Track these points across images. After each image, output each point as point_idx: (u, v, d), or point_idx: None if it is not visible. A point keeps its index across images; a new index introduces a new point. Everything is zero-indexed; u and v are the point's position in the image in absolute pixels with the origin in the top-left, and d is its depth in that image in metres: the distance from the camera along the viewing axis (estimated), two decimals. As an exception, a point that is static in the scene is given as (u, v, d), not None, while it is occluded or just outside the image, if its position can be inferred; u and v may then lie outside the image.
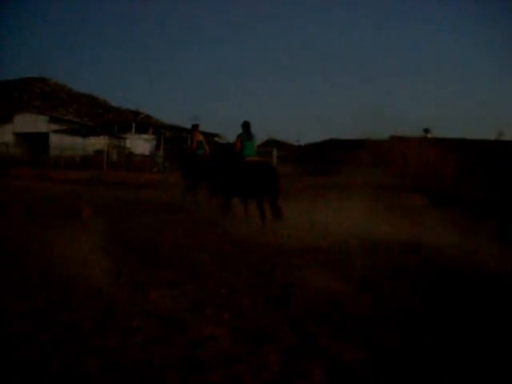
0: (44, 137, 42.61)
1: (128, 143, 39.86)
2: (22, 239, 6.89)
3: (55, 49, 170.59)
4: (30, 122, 44.99)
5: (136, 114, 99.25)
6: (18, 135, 45.33)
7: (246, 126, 9.27)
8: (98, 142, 39.53)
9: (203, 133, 35.82)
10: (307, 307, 4.31)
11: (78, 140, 38.10)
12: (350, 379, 3.06)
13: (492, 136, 33.38)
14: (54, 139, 40.28)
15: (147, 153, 38.94)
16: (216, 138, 37.55)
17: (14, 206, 10.96)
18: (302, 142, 50.87)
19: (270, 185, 8.52)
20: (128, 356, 3.26)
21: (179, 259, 6.04)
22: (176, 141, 35.14)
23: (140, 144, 39.49)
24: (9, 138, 43.88)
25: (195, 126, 12.59)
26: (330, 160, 24.99)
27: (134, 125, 34.34)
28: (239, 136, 9.22)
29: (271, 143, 49.61)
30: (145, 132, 38.13)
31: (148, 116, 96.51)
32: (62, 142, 38.21)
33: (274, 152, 27.73)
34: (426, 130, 28.24)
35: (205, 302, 4.37)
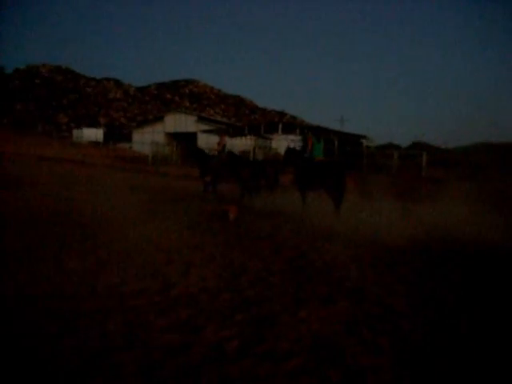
0: (192, 136, 46.44)
1: (274, 144, 41.45)
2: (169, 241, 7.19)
3: (205, 52, 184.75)
4: (180, 122, 49.32)
5: (281, 114, 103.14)
6: (168, 134, 50.10)
7: (315, 132, 10.97)
8: (244, 143, 41.80)
9: (346, 134, 35.74)
10: (481, 336, 3.88)
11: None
12: None
13: None
14: (202, 139, 43.57)
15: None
16: (363, 140, 37.12)
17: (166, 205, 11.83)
18: (450, 145, 48.17)
19: (336, 180, 10.66)
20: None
21: (329, 270, 5.89)
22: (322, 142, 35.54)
23: (286, 145, 40.77)
24: (160, 137, 48.70)
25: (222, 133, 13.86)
26: (482, 165, 23.48)
27: (280, 125, 35.57)
28: (310, 139, 11.64)
29: (418, 146, 47.51)
30: (291, 133, 39.28)
31: (293, 117, 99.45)
32: (209, 142, 41.22)
33: (424, 156, 26.67)
34: None
35: (360, 323, 4.12)
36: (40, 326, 3.70)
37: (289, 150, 12.99)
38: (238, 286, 5.10)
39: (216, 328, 3.90)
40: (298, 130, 38.06)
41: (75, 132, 69.49)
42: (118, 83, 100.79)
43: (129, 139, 55.12)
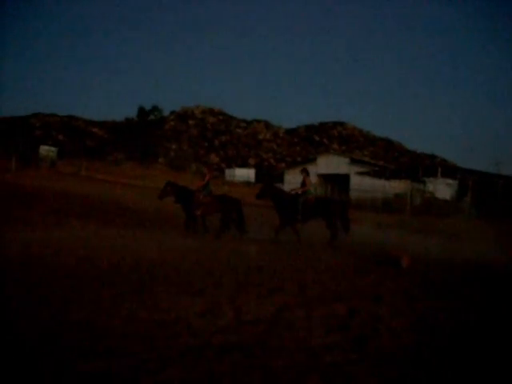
0: (345, 178, 49.83)
1: (430, 187, 43.16)
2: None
3: (353, 95, 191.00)
4: (332, 164, 53.08)
5: (432, 157, 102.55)
6: (320, 176, 54.03)
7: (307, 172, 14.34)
8: (397, 186, 44.03)
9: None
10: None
11: (378, 182, 43.31)
12: None
13: None
14: (355, 180, 46.81)
15: (448, 197, 41.40)
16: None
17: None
18: None
19: (341, 212, 13.67)
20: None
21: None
22: (481, 186, 36.37)
23: (442, 188, 42.28)
24: (312, 178, 52.71)
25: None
26: None
27: (439, 169, 37.24)
28: (308, 178, 14.02)
29: None
30: (447, 176, 40.68)
31: (444, 160, 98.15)
32: (362, 184, 44.26)
33: None
34: None
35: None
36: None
37: (267, 185, 15.05)
38: (436, 343, 4.94)
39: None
40: (458, 175, 39.39)
41: (227, 171, 77.01)
42: (267, 125, 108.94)
43: (280, 180, 59.98)
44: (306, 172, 14.30)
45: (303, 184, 14.02)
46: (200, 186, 14.32)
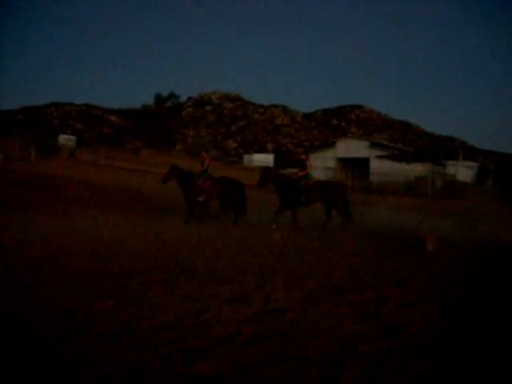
0: (364, 162, 49.31)
1: (451, 170, 42.62)
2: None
3: (371, 77, 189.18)
4: (352, 148, 52.50)
5: (450, 139, 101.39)
6: (339, 160, 53.56)
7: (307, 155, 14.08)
8: (418, 169, 43.53)
9: None
10: None
11: (398, 165, 42.86)
12: None
13: None
14: (375, 164, 46.32)
15: (468, 180, 40.90)
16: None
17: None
18: None
19: (342, 195, 13.51)
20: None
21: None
22: (502, 168, 35.86)
23: (462, 171, 41.76)
24: (331, 163, 52.36)
25: None
26: None
27: (460, 152, 36.86)
28: (309, 161, 14.08)
29: None
30: (467, 159, 40.17)
31: (463, 142, 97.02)
32: (382, 167, 43.79)
33: None
34: None
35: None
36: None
37: (265, 170, 14.08)
38: (468, 328, 4.86)
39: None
40: (479, 158, 38.93)
41: (246, 157, 77.11)
42: (284, 109, 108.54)
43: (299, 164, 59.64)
44: (306, 155, 14.79)
45: (304, 167, 13.78)
46: (200, 171, 14.13)
